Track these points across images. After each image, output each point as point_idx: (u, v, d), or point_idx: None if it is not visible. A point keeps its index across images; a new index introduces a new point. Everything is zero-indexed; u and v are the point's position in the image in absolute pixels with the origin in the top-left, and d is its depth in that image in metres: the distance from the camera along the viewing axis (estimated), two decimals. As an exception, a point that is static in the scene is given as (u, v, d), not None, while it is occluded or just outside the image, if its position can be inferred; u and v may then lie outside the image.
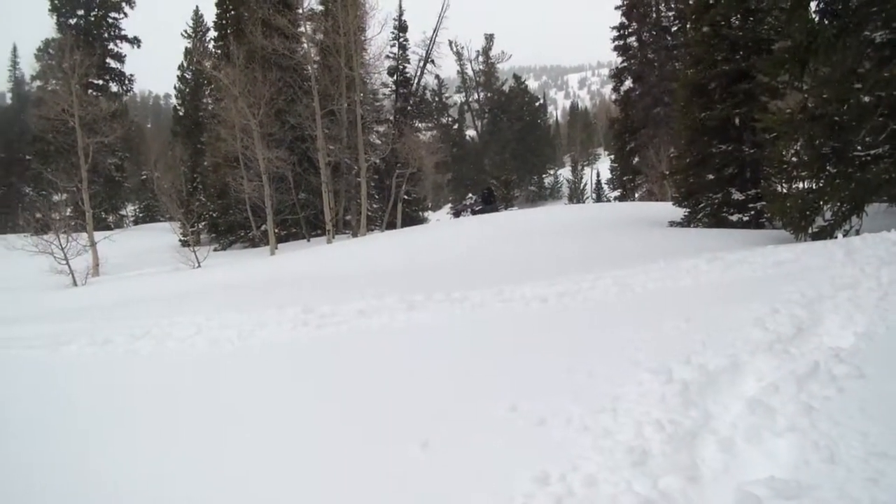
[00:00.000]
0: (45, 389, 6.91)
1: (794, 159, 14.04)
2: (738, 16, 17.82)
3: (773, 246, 11.12)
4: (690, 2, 20.11)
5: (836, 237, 12.07)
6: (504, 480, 3.62)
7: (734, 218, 17.16)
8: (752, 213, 17.01)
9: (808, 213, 12.82)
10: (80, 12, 51.78)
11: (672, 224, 18.24)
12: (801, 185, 14.10)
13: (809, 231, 12.90)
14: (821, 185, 13.06)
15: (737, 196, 17.26)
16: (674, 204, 19.61)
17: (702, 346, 5.36)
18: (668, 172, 24.27)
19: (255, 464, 4.29)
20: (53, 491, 4.25)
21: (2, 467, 4.73)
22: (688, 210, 18.43)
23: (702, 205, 17.97)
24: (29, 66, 72.61)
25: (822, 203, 12.80)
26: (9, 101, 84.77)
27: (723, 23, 17.82)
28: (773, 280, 7.89)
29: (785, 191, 14.83)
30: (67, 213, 35.01)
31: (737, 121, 17.16)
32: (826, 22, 13.10)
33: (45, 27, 49.64)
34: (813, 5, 13.54)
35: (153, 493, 4.07)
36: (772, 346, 5.17)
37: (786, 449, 3.67)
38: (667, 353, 5.29)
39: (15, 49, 79.36)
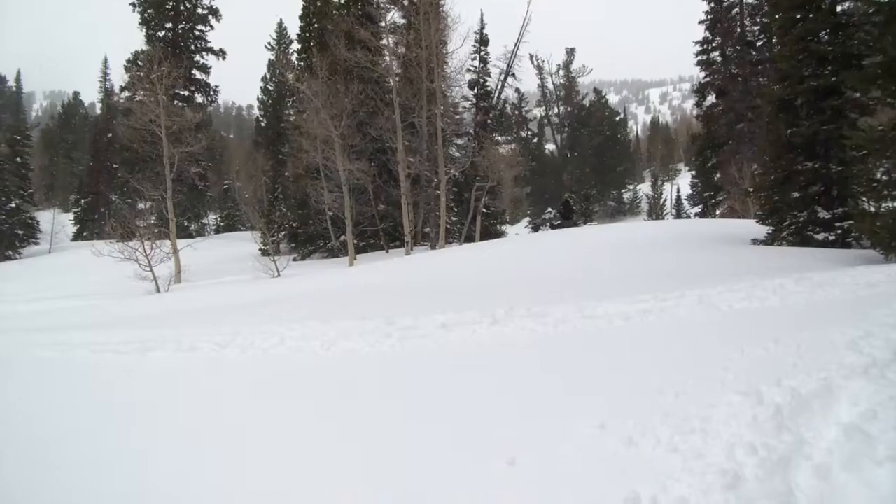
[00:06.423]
0: (136, 394, 7.12)
1: (884, 178, 13.71)
2: (828, 30, 17.42)
3: (863, 266, 10.85)
4: (777, 17, 19.66)
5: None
6: (596, 501, 3.61)
7: (820, 237, 16.72)
8: (839, 232, 16.57)
9: (898, 232, 12.49)
10: (169, 25, 53.35)
11: (755, 242, 17.91)
12: (891, 204, 13.71)
13: (901, 251, 12.57)
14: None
15: (823, 214, 16.83)
16: (757, 221, 19.23)
17: (793, 368, 5.23)
18: (751, 189, 23.85)
19: (347, 473, 4.37)
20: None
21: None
22: (771, 228, 18.04)
23: (786, 223, 17.56)
24: (118, 78, 74.89)
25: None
26: (99, 111, 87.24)
27: (811, 38, 17.45)
28: (865, 302, 7.67)
29: (874, 210, 14.43)
30: (152, 221, 35.82)
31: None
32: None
33: (135, 40, 50.94)
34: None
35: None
36: (867, 371, 4.96)
37: (886, 478, 3.56)
38: (756, 374, 5.19)
39: (106, 61, 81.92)
